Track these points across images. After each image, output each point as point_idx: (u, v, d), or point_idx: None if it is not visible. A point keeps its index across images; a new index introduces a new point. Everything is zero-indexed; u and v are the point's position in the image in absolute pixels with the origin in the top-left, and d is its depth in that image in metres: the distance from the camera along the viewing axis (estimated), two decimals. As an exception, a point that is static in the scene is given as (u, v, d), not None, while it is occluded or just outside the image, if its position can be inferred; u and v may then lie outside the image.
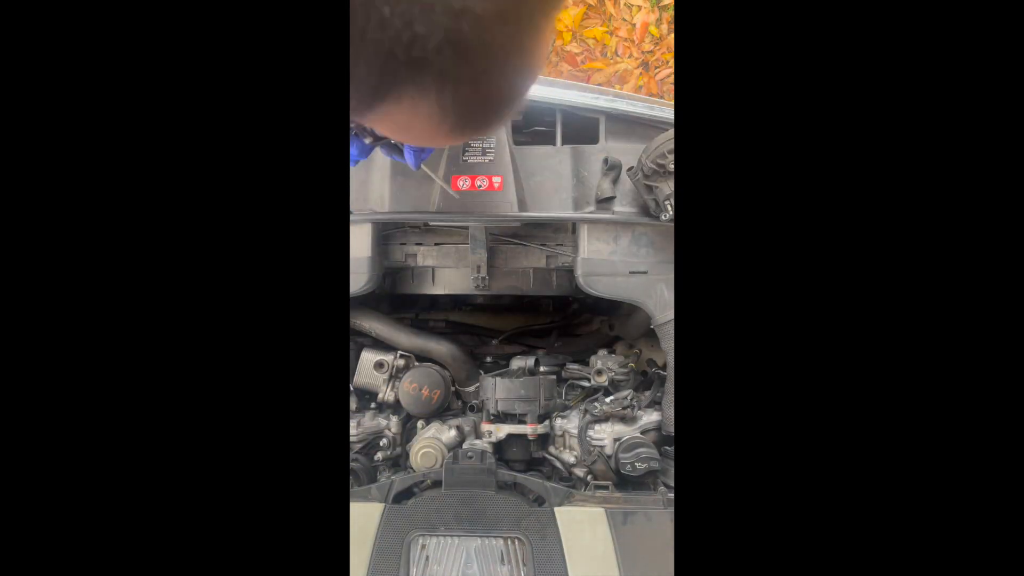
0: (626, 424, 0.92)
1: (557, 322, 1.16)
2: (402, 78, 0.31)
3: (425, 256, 0.93)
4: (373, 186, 0.85)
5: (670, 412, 0.87)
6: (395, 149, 0.63)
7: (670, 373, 0.88)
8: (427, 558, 0.74)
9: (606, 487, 0.87)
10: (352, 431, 0.92)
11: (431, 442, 0.87)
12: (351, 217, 0.83)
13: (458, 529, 0.75)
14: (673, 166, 0.73)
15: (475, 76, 0.32)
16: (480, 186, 0.85)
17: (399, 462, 0.96)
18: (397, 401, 0.96)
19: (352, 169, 0.79)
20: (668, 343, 0.85)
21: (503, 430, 0.90)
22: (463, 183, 0.83)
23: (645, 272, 0.85)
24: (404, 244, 0.92)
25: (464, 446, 0.86)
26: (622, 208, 0.86)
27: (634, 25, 2.28)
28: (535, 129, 0.93)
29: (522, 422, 0.91)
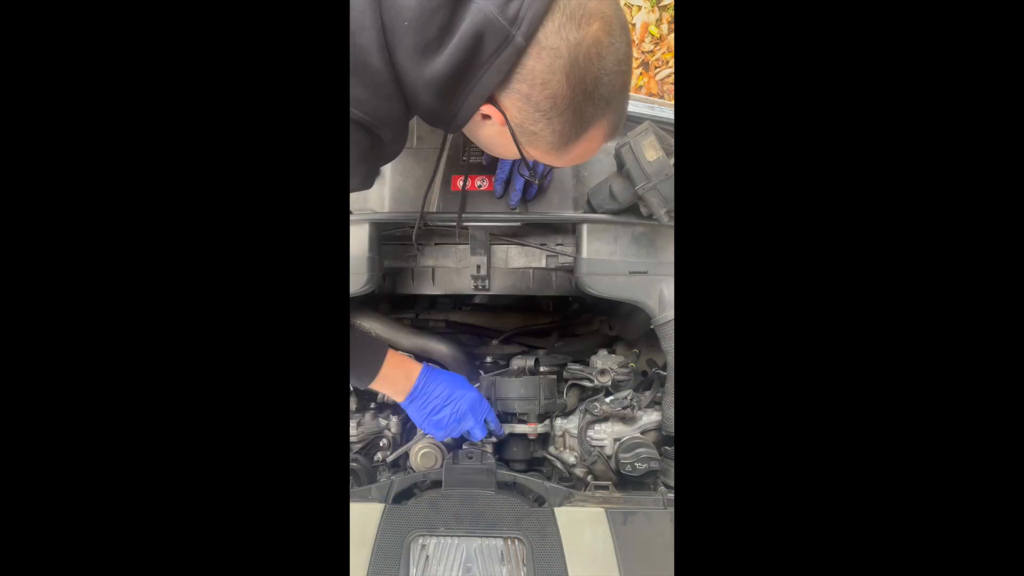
0: (626, 424, 0.91)
1: (557, 322, 1.16)
2: (594, 116, 0.50)
3: (425, 256, 0.93)
4: (373, 186, 0.84)
5: (670, 412, 0.87)
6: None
7: (670, 373, 0.88)
8: (427, 558, 0.73)
9: (606, 487, 0.86)
10: (352, 431, 0.92)
11: (431, 442, 0.87)
12: (351, 217, 0.83)
13: (458, 529, 0.75)
14: (665, 174, 0.73)
15: (625, 105, 0.53)
16: (480, 186, 0.85)
17: (399, 462, 0.96)
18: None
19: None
20: (668, 343, 0.85)
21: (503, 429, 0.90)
22: (462, 183, 0.83)
23: (645, 272, 0.85)
24: (404, 244, 0.92)
25: (464, 446, 0.86)
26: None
27: (634, 25, 2.28)
28: None
29: (522, 421, 0.91)
